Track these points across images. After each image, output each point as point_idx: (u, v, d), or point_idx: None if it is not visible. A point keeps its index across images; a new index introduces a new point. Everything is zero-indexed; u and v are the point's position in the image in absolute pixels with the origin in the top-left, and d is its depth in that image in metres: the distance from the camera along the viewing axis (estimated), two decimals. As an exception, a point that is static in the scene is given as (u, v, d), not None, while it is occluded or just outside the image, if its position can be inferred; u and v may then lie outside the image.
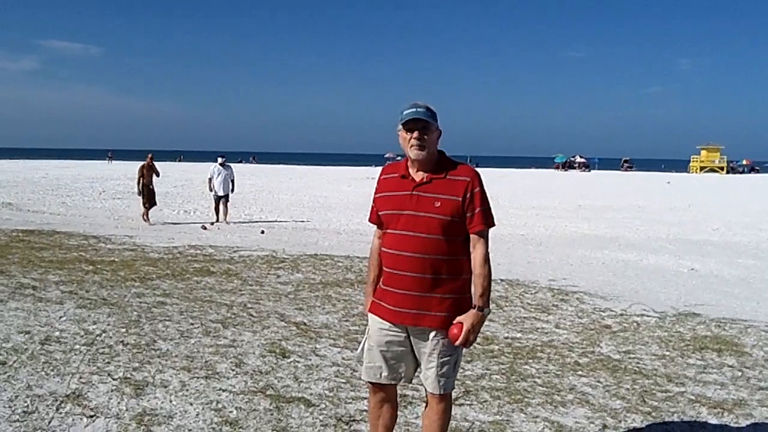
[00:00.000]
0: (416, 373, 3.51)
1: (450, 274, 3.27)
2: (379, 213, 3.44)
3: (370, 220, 3.60)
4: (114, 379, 4.82)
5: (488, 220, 3.29)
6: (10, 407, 4.24)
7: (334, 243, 14.33)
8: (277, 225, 18.24)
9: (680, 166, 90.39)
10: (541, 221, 20.99)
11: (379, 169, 3.78)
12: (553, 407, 4.80)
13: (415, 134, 3.24)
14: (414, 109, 3.26)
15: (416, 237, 3.24)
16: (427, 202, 3.25)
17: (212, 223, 17.84)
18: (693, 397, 5.09)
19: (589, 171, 77.50)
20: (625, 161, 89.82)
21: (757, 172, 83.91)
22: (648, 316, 7.87)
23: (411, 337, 3.36)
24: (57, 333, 5.88)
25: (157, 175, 18.75)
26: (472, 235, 3.29)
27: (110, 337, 5.85)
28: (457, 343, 3.24)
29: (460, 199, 3.23)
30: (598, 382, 5.39)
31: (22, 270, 8.78)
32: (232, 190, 19.02)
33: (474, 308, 3.27)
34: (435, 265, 3.24)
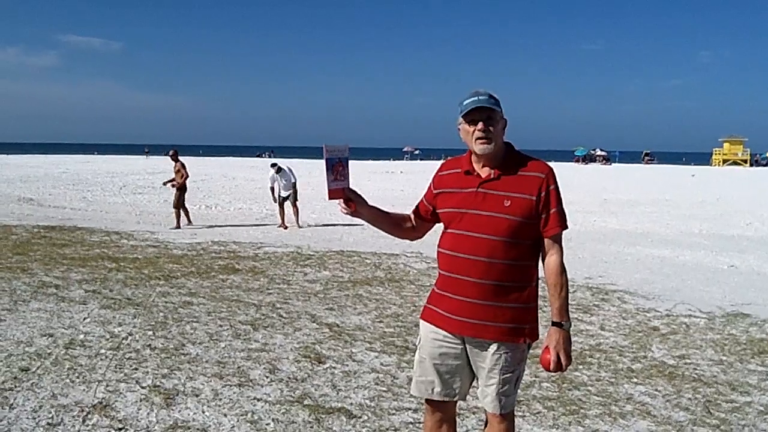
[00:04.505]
0: (471, 389, 3.16)
1: (515, 282, 2.88)
2: (438, 211, 3.07)
3: (413, 211, 3.23)
4: (143, 388, 4.54)
5: (564, 222, 2.90)
6: (33, 418, 3.98)
7: (359, 239, 14.00)
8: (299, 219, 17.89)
9: (702, 159, 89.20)
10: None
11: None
12: (613, 419, 4.46)
13: (480, 126, 2.84)
14: (475, 98, 2.86)
15: (479, 238, 2.85)
16: (495, 200, 2.86)
17: (285, 227, 16.41)
18: (762, 408, 4.72)
19: (610, 164, 76.59)
20: (646, 154, 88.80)
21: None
22: (695, 317, 7.49)
23: (468, 350, 2.98)
24: (81, 336, 5.62)
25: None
26: (546, 240, 2.90)
27: (137, 341, 5.58)
28: (551, 369, 2.90)
29: (534, 198, 2.84)
30: (657, 390, 5.03)
31: (44, 267, 8.56)
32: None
33: (553, 325, 2.90)
34: (499, 271, 2.85)
